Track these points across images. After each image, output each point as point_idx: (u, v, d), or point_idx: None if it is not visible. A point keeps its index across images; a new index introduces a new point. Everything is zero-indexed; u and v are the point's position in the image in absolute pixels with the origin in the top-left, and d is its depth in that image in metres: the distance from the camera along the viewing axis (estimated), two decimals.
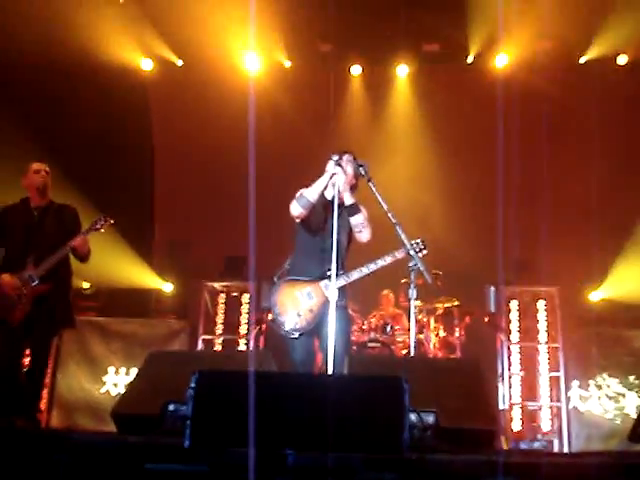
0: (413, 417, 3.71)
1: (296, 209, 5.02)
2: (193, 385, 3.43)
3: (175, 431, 3.85)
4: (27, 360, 5.76)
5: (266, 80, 9.85)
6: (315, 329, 4.85)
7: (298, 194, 5.04)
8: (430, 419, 3.81)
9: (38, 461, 3.45)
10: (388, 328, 8.16)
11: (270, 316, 4.98)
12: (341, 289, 4.87)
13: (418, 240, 5.13)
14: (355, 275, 4.94)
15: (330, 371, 4.25)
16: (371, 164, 5.29)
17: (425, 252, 5.11)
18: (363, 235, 5.06)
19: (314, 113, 9.54)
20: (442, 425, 3.80)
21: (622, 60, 9.42)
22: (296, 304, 4.92)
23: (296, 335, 4.85)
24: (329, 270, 4.66)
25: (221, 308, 8.91)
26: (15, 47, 8.23)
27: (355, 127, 9.82)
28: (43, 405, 7.79)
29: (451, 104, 9.48)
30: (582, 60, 9.44)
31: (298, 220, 5.10)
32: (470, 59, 9.87)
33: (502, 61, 9.74)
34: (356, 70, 10.19)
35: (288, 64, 10.05)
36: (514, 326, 8.34)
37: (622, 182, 9.01)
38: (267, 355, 4.71)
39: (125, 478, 3.40)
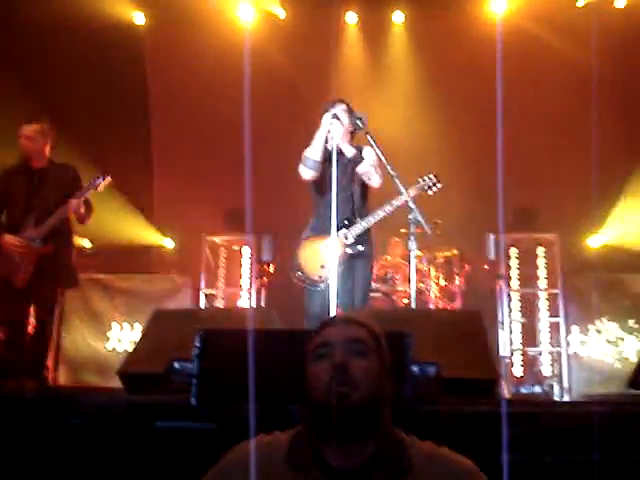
0: (415, 369, 3.74)
1: (305, 172, 5.08)
2: (198, 344, 3.48)
3: (181, 389, 3.90)
4: (32, 321, 5.84)
5: (260, 31, 9.70)
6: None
7: (302, 157, 5.06)
8: (432, 370, 3.85)
9: (49, 424, 3.51)
10: (388, 276, 8.21)
11: (298, 273, 5.04)
12: (362, 237, 4.98)
13: (430, 175, 5.22)
14: (359, 227, 5.00)
15: None
16: (369, 113, 5.30)
17: (439, 186, 5.19)
18: (373, 182, 5.13)
19: (310, 64, 9.42)
20: (444, 376, 3.84)
21: (620, 3, 9.28)
22: (319, 257, 5.00)
23: (322, 287, 4.91)
24: (345, 220, 4.88)
25: (222, 262, 8.95)
26: (4, 3, 8.12)
27: (352, 77, 9.72)
28: (50, 363, 7.88)
29: (448, 50, 9.37)
30: (580, 3, 9.31)
31: (310, 181, 5.14)
32: (466, 4, 9.71)
33: (500, 6, 9.58)
34: (351, 18, 10.03)
35: (282, 15, 9.89)
36: (514, 273, 8.38)
37: (622, 127, 8.98)
38: (271, 313, 4.76)
39: (135, 436, 3.47)
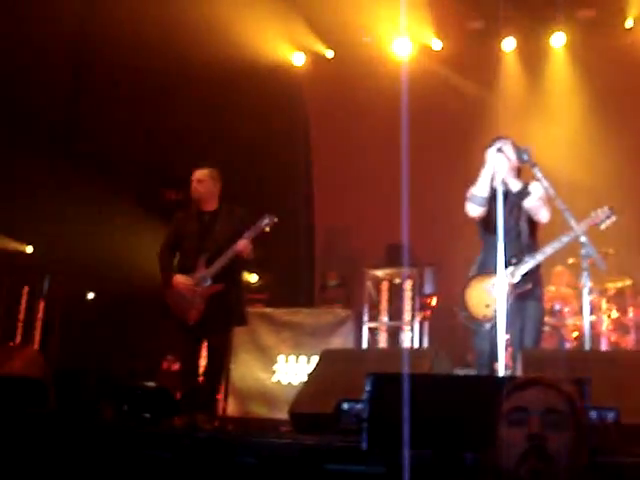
0: (593, 415, 3.57)
1: (473, 209, 5.01)
2: (368, 387, 3.48)
3: (350, 430, 3.92)
4: (204, 357, 6.07)
5: (417, 64, 9.74)
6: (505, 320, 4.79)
7: (468, 195, 5.01)
8: (611, 416, 3.66)
9: (221, 463, 3.62)
10: (556, 309, 7.92)
11: (463, 313, 5.00)
12: (530, 275, 4.87)
13: (605, 207, 5.02)
14: (528, 265, 4.86)
15: (501, 368, 4.20)
16: (531, 142, 5.16)
17: (614, 219, 5.01)
18: (541, 217, 5.00)
19: (468, 94, 9.34)
20: (624, 423, 3.64)
21: None
22: (485, 296, 4.91)
23: (487, 326, 4.83)
24: (513, 258, 4.77)
25: (384, 295, 8.95)
26: (169, 52, 8.56)
27: (512, 105, 9.52)
28: (220, 395, 8.15)
29: (612, 73, 8.99)
30: None
31: (478, 219, 5.07)
32: (629, 23, 9.30)
33: None
34: (508, 45, 9.85)
35: (438, 46, 9.89)
36: None
37: None
38: (439, 353, 4.71)
39: (305, 478, 3.52)
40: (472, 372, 5.82)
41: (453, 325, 7.69)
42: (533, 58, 9.82)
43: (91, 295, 9.34)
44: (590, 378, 3.14)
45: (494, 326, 4.68)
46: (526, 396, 1.97)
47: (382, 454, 3.42)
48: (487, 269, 4.92)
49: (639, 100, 8.62)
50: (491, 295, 4.83)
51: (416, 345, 8.30)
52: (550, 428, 1.90)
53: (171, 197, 7.81)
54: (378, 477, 3.41)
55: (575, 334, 7.76)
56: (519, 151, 4.93)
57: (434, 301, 8.58)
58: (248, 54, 9.05)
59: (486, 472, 1.98)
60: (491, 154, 4.90)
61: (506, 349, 4.72)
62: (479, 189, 4.96)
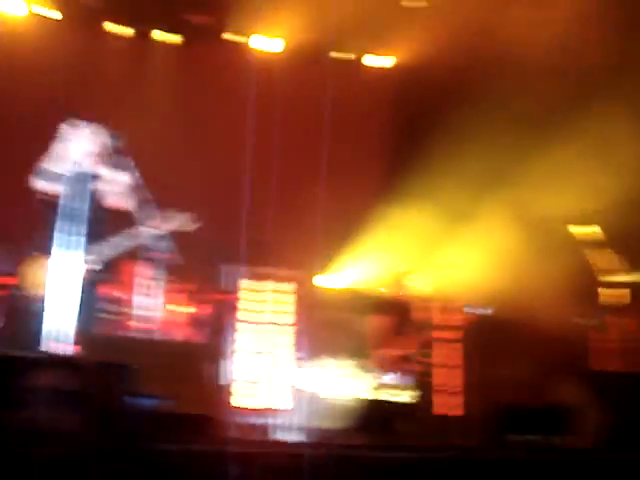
0: (135, 402, 3.66)
1: (44, 185, 4.83)
2: None
3: None
4: None
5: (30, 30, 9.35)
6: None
7: (41, 170, 4.84)
8: (152, 404, 3.79)
9: None
10: (116, 297, 7.96)
11: (19, 292, 4.82)
12: (98, 259, 4.87)
13: (183, 214, 5.22)
14: (96, 249, 4.86)
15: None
16: (126, 132, 5.17)
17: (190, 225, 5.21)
18: (118, 204, 5.02)
19: (74, 73, 9.12)
20: (166, 411, 3.81)
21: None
22: (43, 275, 4.79)
23: (44, 305, 4.67)
24: (79, 240, 4.74)
25: None
26: None
27: (114, 91, 9.45)
28: None
29: (208, 79, 9.54)
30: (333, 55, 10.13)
31: (49, 197, 4.90)
32: (229, 36, 10.07)
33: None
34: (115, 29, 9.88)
35: (57, 16, 9.57)
36: (247, 305, 8.43)
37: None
38: None
39: None
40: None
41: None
42: (142, 49, 9.95)
43: None
44: (131, 364, 3.21)
45: (52, 306, 4.60)
46: (44, 376, 1.89)
47: None
48: (50, 248, 4.80)
49: (221, 107, 9.19)
50: (51, 275, 4.72)
51: None
52: (62, 409, 1.82)
53: None
54: None
55: (134, 323, 7.87)
56: (108, 136, 4.92)
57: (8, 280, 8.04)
58: None
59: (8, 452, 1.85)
60: (76, 132, 4.80)
61: (64, 331, 4.63)
62: (53, 165, 4.82)
